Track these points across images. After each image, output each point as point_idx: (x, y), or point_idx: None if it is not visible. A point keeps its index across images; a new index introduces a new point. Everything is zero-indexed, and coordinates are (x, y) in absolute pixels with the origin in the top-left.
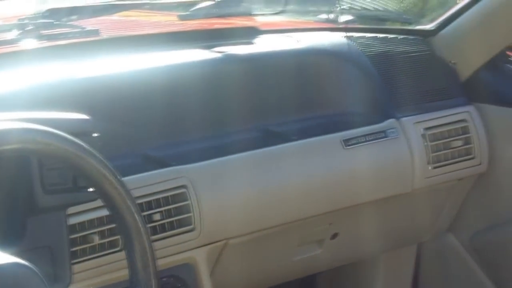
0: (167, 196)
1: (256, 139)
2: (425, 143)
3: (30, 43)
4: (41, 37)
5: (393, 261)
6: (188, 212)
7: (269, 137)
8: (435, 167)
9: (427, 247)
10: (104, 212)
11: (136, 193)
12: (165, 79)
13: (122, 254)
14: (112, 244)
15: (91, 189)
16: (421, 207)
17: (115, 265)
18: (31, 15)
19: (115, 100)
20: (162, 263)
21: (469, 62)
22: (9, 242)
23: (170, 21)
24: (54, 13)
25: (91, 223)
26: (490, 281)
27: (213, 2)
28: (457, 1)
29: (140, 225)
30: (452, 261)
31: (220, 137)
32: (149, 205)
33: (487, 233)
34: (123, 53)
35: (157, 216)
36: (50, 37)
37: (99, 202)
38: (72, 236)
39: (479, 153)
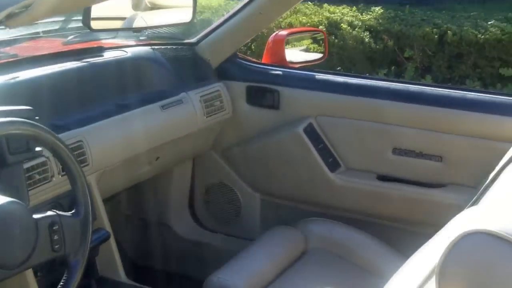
0: (73, 147)
1: (113, 109)
2: (202, 104)
3: None
4: None
5: (182, 168)
6: (85, 155)
7: (120, 107)
8: (207, 117)
9: (199, 159)
10: (38, 161)
11: None
12: (58, 79)
13: (52, 183)
14: (45, 178)
15: (37, 149)
16: (201, 137)
17: (48, 190)
18: None
19: (33, 93)
20: None
21: (216, 59)
22: None
23: (57, 45)
24: None
25: (33, 168)
26: (232, 170)
27: (80, 35)
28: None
29: (69, 153)
30: (213, 165)
31: (94, 110)
32: None
33: (232, 148)
34: (34, 66)
35: None
36: None
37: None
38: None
39: (227, 107)
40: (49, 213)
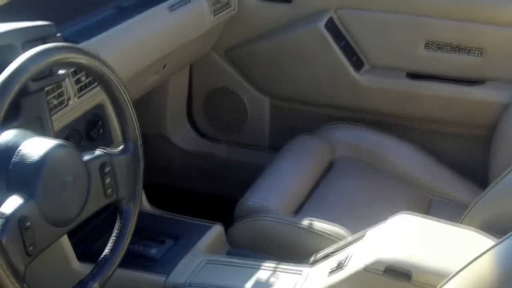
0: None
1: (116, 14)
2: (208, 2)
3: None
4: None
5: (178, 73)
6: None
7: (124, 11)
8: (214, 16)
9: (197, 62)
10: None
11: None
12: None
13: (68, 108)
14: (61, 102)
15: (60, 72)
16: (204, 39)
17: (65, 115)
18: None
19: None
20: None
21: None
22: (11, 119)
23: None
24: None
25: (48, 92)
26: (236, 72)
27: None
28: None
29: (117, 81)
30: (214, 68)
31: (95, 16)
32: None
33: (236, 48)
34: None
35: (82, 78)
36: None
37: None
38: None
39: (233, 2)
40: (98, 152)
